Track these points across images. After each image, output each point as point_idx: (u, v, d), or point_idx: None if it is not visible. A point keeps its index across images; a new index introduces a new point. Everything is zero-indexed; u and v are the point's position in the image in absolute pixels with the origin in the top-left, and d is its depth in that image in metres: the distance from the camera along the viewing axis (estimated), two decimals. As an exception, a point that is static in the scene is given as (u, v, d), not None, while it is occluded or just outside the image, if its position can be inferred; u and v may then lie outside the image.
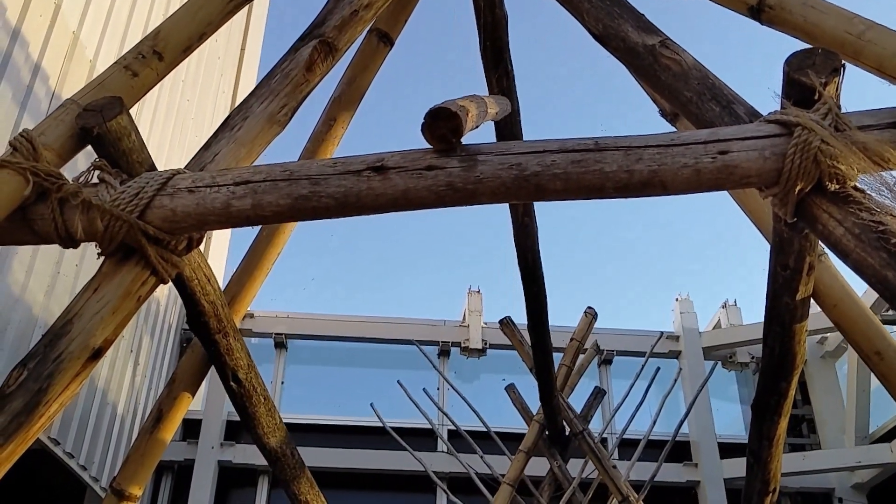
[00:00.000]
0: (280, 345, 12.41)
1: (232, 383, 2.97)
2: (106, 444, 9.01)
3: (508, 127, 3.78)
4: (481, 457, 6.91)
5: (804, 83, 2.13)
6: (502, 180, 2.10)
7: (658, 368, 7.08)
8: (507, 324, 7.24)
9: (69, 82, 7.56)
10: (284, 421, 3.34)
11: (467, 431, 7.16)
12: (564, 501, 6.75)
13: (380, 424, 7.23)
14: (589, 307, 7.29)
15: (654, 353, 7.53)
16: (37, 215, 2.18)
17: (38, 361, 2.07)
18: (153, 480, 10.95)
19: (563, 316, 12.51)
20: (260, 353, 12.08)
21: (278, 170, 2.21)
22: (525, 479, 6.90)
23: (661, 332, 8.43)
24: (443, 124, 2.12)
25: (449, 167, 2.13)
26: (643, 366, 7.12)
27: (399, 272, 19.37)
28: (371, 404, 7.32)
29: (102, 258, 2.28)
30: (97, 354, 2.11)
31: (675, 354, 12.29)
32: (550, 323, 5.66)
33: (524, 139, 3.74)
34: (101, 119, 2.14)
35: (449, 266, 19.28)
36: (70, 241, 2.18)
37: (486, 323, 12.45)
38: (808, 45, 2.29)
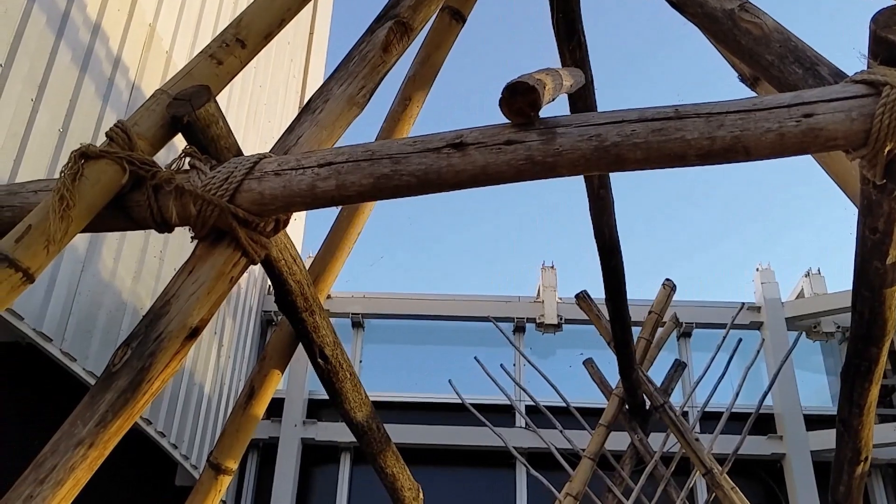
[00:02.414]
0: (357, 324, 12.63)
1: (319, 360, 3.06)
2: (194, 423, 9.34)
3: (583, 99, 3.76)
4: (561, 431, 6.92)
5: (891, 41, 2.07)
6: (582, 152, 2.10)
7: (740, 340, 6.96)
8: (583, 298, 7.21)
9: (148, 73, 7.79)
10: (364, 399, 3.41)
11: (545, 406, 7.18)
12: (646, 474, 6.72)
13: (458, 401, 7.29)
14: (667, 279, 7.21)
15: (736, 324, 7.39)
16: (133, 202, 2.28)
17: (140, 341, 2.17)
18: (240, 457, 11.34)
19: (640, 289, 12.39)
20: (337, 333, 12.28)
21: (360, 150, 2.26)
22: (606, 453, 6.90)
23: (742, 303, 8.28)
24: (520, 98, 2.12)
25: (528, 141, 2.14)
26: (724, 337, 7.00)
27: (472, 249, 19.42)
28: (449, 381, 7.39)
29: (194, 242, 2.38)
30: (194, 333, 2.20)
31: (757, 325, 12.04)
32: (628, 296, 5.63)
33: (599, 110, 3.71)
34: (190, 107, 2.22)
35: (522, 242, 19.24)
36: (165, 226, 2.27)
37: (560, 298, 12.41)
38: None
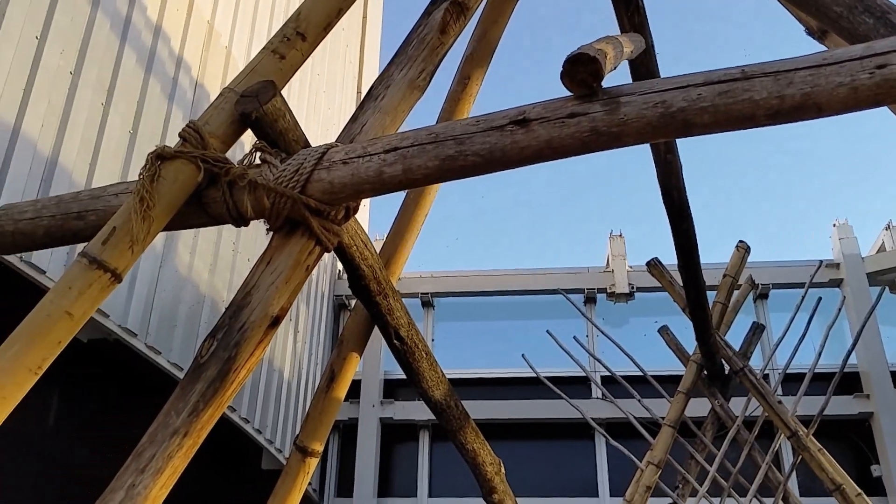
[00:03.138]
0: (427, 304, 12.74)
1: (395, 341, 3.10)
2: (276, 408, 9.59)
3: (644, 64, 3.70)
4: (639, 400, 6.88)
5: (969, -19, 1.99)
6: (647, 119, 2.07)
7: (819, 299, 6.77)
8: (654, 265, 7.13)
9: (209, 70, 7.96)
10: (438, 378, 3.44)
11: (621, 376, 7.14)
12: (729, 440, 6.64)
13: (532, 375, 7.31)
14: (741, 241, 7.07)
15: (814, 283, 7.20)
16: (209, 199, 2.35)
17: (224, 332, 2.24)
18: (322, 440, 11.62)
19: (712, 253, 12.17)
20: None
21: (424, 133, 2.27)
22: (686, 420, 6.83)
23: (821, 261, 8.04)
24: (582, 69, 2.11)
25: (592, 112, 2.13)
26: (803, 297, 6.83)
27: (537, 221, 19.33)
28: (522, 355, 7.41)
29: (269, 234, 2.44)
30: (276, 322, 2.27)
31: (837, 283, 11.72)
32: (700, 260, 5.55)
33: (661, 76, 3.65)
34: (257, 103, 2.27)
35: (588, 212, 19.06)
36: (241, 220, 2.34)
37: (631, 266, 12.29)
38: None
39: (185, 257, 7.46)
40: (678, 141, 4.63)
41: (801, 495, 8.79)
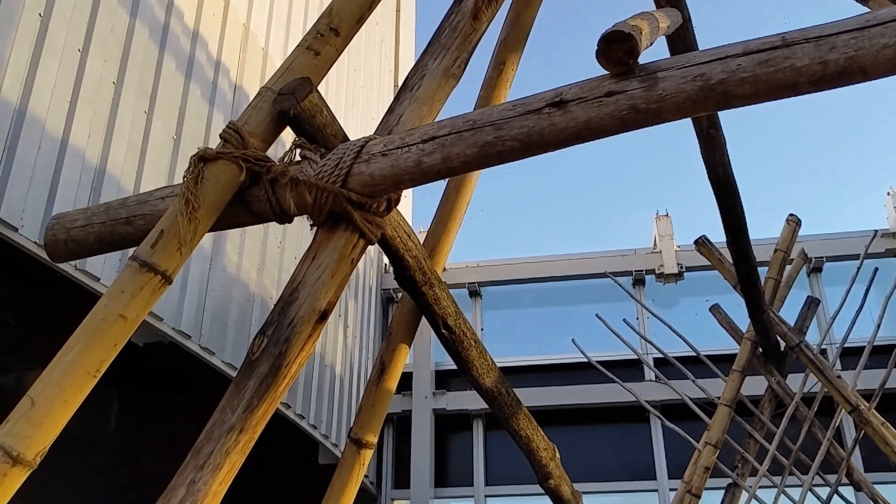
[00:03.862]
0: (474, 293, 12.74)
1: (443, 331, 3.11)
2: (330, 403, 9.69)
3: (682, 39, 3.64)
4: (693, 381, 6.79)
5: None
6: (686, 93, 2.04)
7: (876, 269, 6.60)
8: (703, 243, 7.02)
9: (247, 72, 8.05)
10: (489, 366, 3.44)
11: (674, 357, 7.06)
12: (788, 417, 6.52)
13: (584, 360, 7.26)
14: (791, 214, 6.92)
15: (870, 253, 7.02)
16: (252, 197, 2.38)
17: (274, 328, 2.27)
18: (377, 432, 11.71)
19: (761, 227, 11.94)
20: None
21: (461, 121, 2.27)
22: (742, 399, 6.73)
23: (875, 231, 7.85)
24: (617, 47, 2.08)
25: (629, 90, 2.10)
26: (858, 269, 6.67)
27: (582, 205, 19.19)
28: (573, 340, 7.36)
29: (313, 230, 2.47)
30: (324, 316, 2.29)
31: (894, 252, 11.42)
32: (750, 235, 5.45)
33: (699, 49, 3.59)
34: (294, 100, 2.29)
35: (632, 193, 18.86)
36: (285, 217, 2.37)
37: (679, 246, 12.13)
38: None
39: (234, 257, 7.57)
40: (720, 115, 4.55)
41: (865, 471, 8.60)
